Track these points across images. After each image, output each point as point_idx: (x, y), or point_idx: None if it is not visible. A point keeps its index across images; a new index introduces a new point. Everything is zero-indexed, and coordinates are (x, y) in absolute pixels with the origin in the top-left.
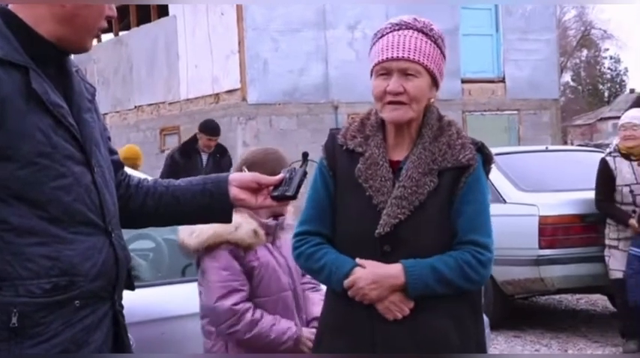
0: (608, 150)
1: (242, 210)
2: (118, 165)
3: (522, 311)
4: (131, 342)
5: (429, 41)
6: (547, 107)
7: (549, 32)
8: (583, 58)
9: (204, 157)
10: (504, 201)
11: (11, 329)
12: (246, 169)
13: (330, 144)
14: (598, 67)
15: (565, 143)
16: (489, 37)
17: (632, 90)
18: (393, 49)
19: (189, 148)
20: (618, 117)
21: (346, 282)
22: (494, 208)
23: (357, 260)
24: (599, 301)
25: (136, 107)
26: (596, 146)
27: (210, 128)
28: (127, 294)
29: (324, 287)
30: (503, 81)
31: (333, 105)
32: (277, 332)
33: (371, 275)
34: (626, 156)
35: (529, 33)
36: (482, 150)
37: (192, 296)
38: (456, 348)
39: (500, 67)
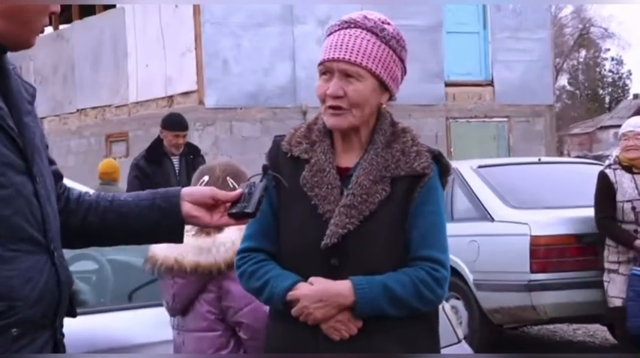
0: (607, 162)
1: None
2: (57, 177)
3: (512, 342)
4: None
5: (379, 42)
6: (540, 114)
7: (543, 30)
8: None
9: (176, 161)
10: (492, 219)
11: None
12: (232, 182)
13: (274, 152)
14: (598, 70)
15: (561, 154)
16: (476, 35)
17: (635, 96)
18: (335, 48)
19: (156, 152)
20: (620, 126)
21: (289, 295)
22: (481, 227)
23: (310, 279)
24: (598, 332)
25: (78, 111)
26: (595, 157)
27: (174, 122)
28: (67, 322)
29: None
30: (491, 84)
31: (301, 109)
32: None
33: (317, 293)
34: (628, 168)
35: (520, 31)
36: (439, 159)
37: (139, 325)
38: None
39: (488, 68)
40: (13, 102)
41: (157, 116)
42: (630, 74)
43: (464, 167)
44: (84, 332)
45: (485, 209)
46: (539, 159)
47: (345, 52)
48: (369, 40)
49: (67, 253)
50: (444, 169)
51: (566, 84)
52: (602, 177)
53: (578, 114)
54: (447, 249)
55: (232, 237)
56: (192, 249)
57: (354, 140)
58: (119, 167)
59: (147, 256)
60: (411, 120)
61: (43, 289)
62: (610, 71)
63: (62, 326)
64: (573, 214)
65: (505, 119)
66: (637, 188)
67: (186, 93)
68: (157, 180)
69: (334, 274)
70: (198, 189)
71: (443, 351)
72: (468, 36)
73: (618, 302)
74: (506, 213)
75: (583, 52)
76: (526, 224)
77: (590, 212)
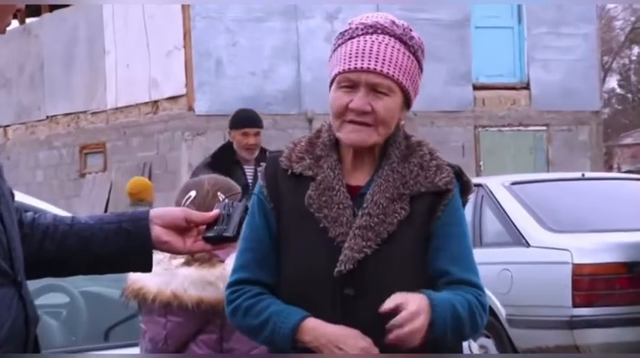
0: None
1: None
2: (11, 197)
3: None
4: None
5: (408, 52)
6: (585, 121)
7: (588, 24)
8: (634, 58)
9: (249, 170)
10: (527, 245)
11: None
12: (221, 197)
13: (271, 169)
14: None
15: (610, 168)
16: (509, 31)
17: None
18: (364, 57)
19: (223, 159)
20: None
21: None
22: (514, 253)
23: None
24: None
25: (48, 117)
26: None
27: (241, 117)
28: None
29: None
30: (527, 87)
31: (306, 117)
32: None
33: (415, 310)
34: None
35: (562, 25)
36: (459, 176)
37: None
38: None
39: (524, 69)
40: None
41: (139, 124)
42: None
43: (495, 184)
44: None
45: (520, 232)
46: (583, 175)
47: (376, 62)
48: (399, 50)
49: (33, 284)
50: (465, 187)
51: (615, 86)
52: None
53: (630, 122)
54: (478, 272)
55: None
56: (194, 281)
57: (366, 155)
58: (151, 186)
59: (127, 287)
60: (433, 129)
61: (11, 327)
62: None
63: None
64: (623, 239)
65: (543, 128)
66: None
67: (173, 98)
68: None
69: (349, 307)
70: (169, 211)
71: None
72: (501, 31)
73: None
74: (544, 238)
75: (636, 49)
76: (567, 250)
77: None
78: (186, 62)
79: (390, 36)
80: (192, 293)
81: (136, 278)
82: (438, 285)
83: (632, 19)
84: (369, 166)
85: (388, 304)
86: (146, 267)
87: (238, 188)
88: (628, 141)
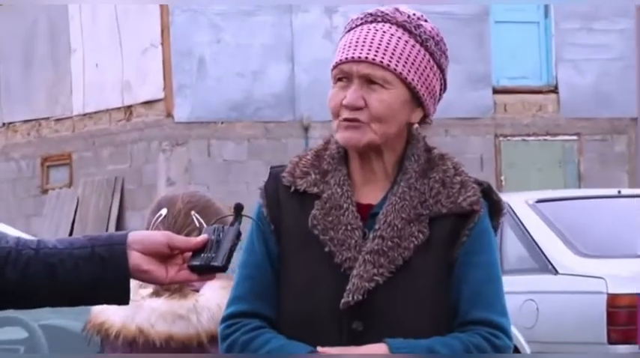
0: None
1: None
2: None
3: None
4: None
5: (413, 41)
6: (622, 130)
7: (625, 18)
8: None
9: None
10: (555, 272)
11: None
12: (197, 218)
13: (272, 186)
14: None
15: None
16: (534, 26)
17: None
18: (356, 47)
19: None
20: None
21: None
22: (540, 281)
23: (319, 348)
24: None
25: (4, 125)
26: None
27: None
28: None
29: None
30: (555, 91)
31: (301, 124)
32: None
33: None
34: None
35: (595, 20)
36: (488, 194)
37: None
38: None
39: (551, 70)
40: None
41: (110, 133)
42: None
43: (518, 201)
44: None
45: (546, 257)
46: (620, 192)
47: (369, 50)
48: (399, 38)
49: None
50: (495, 207)
51: None
52: None
53: None
54: (507, 310)
55: (217, 299)
56: (163, 314)
57: (378, 169)
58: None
59: (89, 320)
60: (447, 139)
61: None
62: None
63: None
64: None
65: (574, 137)
66: None
67: (149, 103)
68: None
69: (357, 343)
70: (149, 235)
71: None
72: (524, 27)
73: None
74: (574, 264)
75: None
76: (601, 278)
77: None
78: (164, 62)
79: (392, 24)
80: (160, 328)
81: (99, 311)
82: (453, 325)
83: None
84: (382, 182)
85: None
86: (122, 298)
87: (221, 208)
88: None
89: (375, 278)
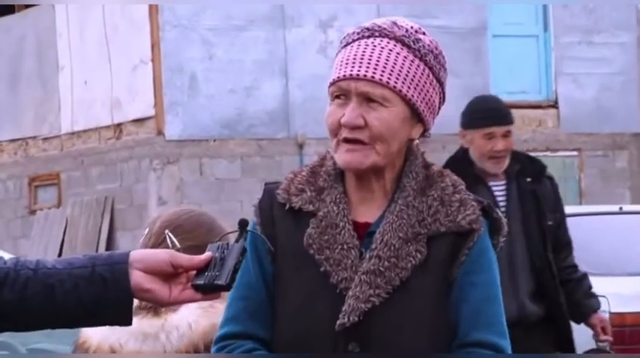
0: None
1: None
2: None
3: None
4: None
5: (412, 56)
6: (623, 146)
7: (627, 31)
8: None
9: (498, 189)
10: None
11: None
12: (170, 237)
13: (267, 203)
14: None
15: None
16: (534, 40)
17: None
18: (354, 63)
19: (457, 175)
20: None
21: None
22: None
23: None
24: None
25: None
26: None
27: (482, 110)
28: None
29: None
30: (555, 106)
31: (296, 142)
32: None
33: None
34: None
35: (595, 33)
36: (488, 213)
37: None
38: None
39: (551, 84)
40: None
41: (99, 152)
42: None
43: None
44: None
45: None
46: (621, 208)
47: (367, 67)
48: (398, 54)
49: None
50: (495, 226)
51: None
52: None
53: None
54: (507, 332)
55: (190, 318)
56: (134, 334)
57: (376, 187)
58: None
59: (76, 342)
60: (445, 155)
61: None
62: None
63: None
64: None
65: (574, 153)
66: None
67: (140, 121)
68: None
69: None
70: (152, 253)
71: None
72: (523, 40)
73: None
74: None
75: None
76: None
77: None
78: (154, 79)
79: (390, 39)
80: (130, 347)
81: (83, 331)
82: (451, 347)
83: None
84: (380, 200)
85: None
86: (125, 319)
87: (202, 224)
88: None
89: (372, 298)
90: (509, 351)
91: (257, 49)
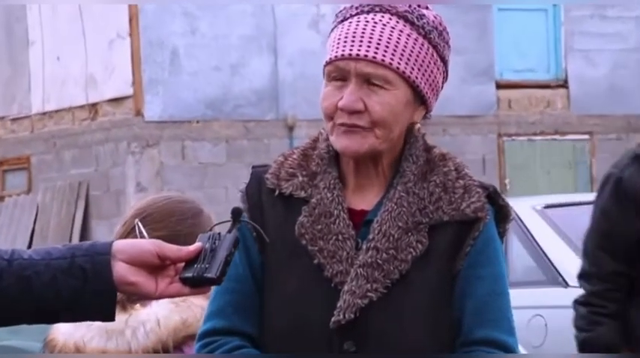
0: None
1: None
2: None
3: None
4: None
5: (415, 34)
6: (638, 129)
7: None
8: None
9: None
10: (566, 284)
11: None
12: (139, 227)
13: (254, 189)
14: None
15: None
16: (542, 14)
17: None
18: (353, 41)
19: None
20: None
21: None
22: (549, 295)
23: None
24: None
25: None
26: None
27: None
28: None
29: None
30: (564, 85)
31: (285, 123)
32: None
33: None
34: None
35: (609, 6)
36: (494, 199)
37: None
38: None
39: (560, 62)
40: None
41: (73, 133)
42: None
43: (524, 207)
44: None
45: (556, 268)
46: None
47: (368, 46)
48: (401, 31)
49: None
50: (502, 213)
51: None
52: None
53: None
54: (514, 328)
55: (159, 313)
56: (99, 330)
57: (373, 172)
58: None
59: (46, 340)
60: (445, 139)
61: None
62: None
63: None
64: None
65: (586, 136)
66: None
67: (116, 100)
68: None
69: None
70: (136, 243)
71: None
72: (531, 14)
73: None
74: None
75: None
76: None
77: None
78: (132, 54)
79: (392, 14)
80: (94, 345)
81: (53, 328)
82: (455, 345)
83: None
84: (378, 186)
85: None
86: (107, 314)
87: (173, 213)
88: None
89: (369, 294)
90: (517, 349)
91: (244, 22)
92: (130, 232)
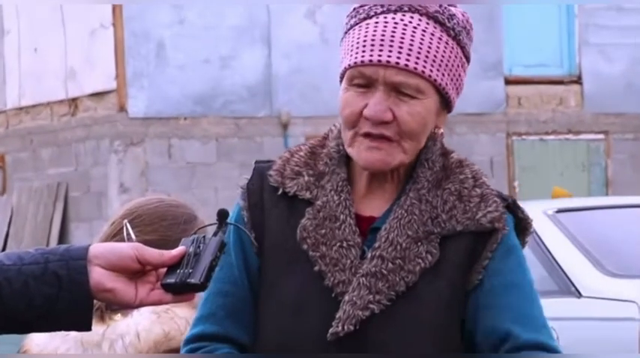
0: None
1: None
2: None
3: None
4: None
5: (446, 37)
6: None
7: None
8: None
9: None
10: (579, 295)
11: None
12: (128, 228)
13: (256, 186)
14: None
15: None
16: (555, 6)
17: None
18: (382, 46)
19: None
20: None
21: None
22: (561, 305)
23: None
24: None
25: None
26: None
27: None
28: None
29: None
30: (578, 81)
31: (279, 121)
32: None
33: None
34: None
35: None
36: (513, 210)
37: None
38: None
39: (574, 57)
40: None
41: (51, 130)
42: None
43: (535, 212)
44: None
45: (568, 278)
46: None
47: (399, 52)
48: (432, 34)
49: None
50: (522, 225)
51: None
52: None
53: None
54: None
55: (139, 325)
56: (74, 342)
57: (386, 176)
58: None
59: (19, 350)
60: (452, 138)
61: None
62: None
63: None
64: None
65: (600, 136)
66: None
67: (98, 95)
68: None
69: None
70: (115, 248)
71: None
72: (542, 6)
73: None
74: (601, 285)
75: None
76: (633, 302)
77: None
78: (116, 46)
79: (421, 15)
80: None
81: (28, 338)
82: (501, 349)
83: None
84: (389, 192)
85: None
86: (83, 323)
87: (165, 216)
88: None
89: (371, 305)
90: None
91: (235, 12)
92: (117, 233)
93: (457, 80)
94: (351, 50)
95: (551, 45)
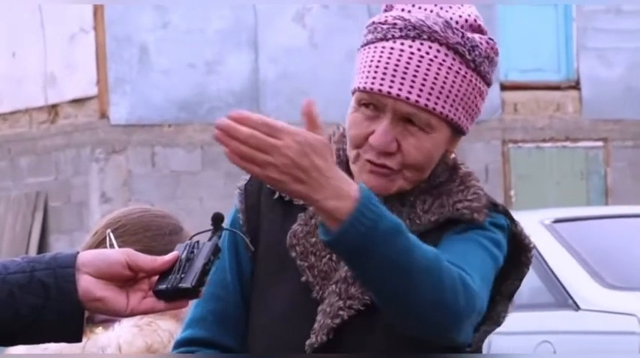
0: None
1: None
2: None
3: None
4: None
5: (465, 69)
6: None
7: None
8: None
9: None
10: (577, 307)
11: None
12: (110, 238)
13: (255, 187)
14: None
15: None
16: (551, 8)
17: None
18: (394, 76)
19: None
20: None
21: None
22: (558, 319)
23: None
24: None
25: None
26: None
27: None
28: None
29: None
30: (576, 87)
31: None
32: None
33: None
34: None
35: (624, 1)
36: (509, 218)
37: None
38: None
39: (572, 61)
40: None
41: (30, 138)
42: None
43: (531, 222)
44: None
45: (566, 290)
46: None
47: (411, 87)
48: (450, 68)
49: None
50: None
51: None
52: None
53: None
54: (486, 291)
55: (121, 338)
56: (57, 353)
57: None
58: None
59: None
60: None
61: None
62: None
63: None
64: None
65: (599, 143)
66: None
67: (79, 101)
68: None
69: None
70: (105, 254)
71: None
72: (539, 9)
73: None
74: (599, 297)
75: None
76: (633, 315)
77: None
78: (97, 50)
79: (441, 44)
80: None
81: (6, 351)
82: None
83: None
84: (392, 197)
85: None
86: (72, 335)
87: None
88: None
89: (340, 313)
90: (484, 297)
91: (221, 15)
92: (100, 243)
93: (473, 109)
94: (363, 72)
95: (548, 49)
